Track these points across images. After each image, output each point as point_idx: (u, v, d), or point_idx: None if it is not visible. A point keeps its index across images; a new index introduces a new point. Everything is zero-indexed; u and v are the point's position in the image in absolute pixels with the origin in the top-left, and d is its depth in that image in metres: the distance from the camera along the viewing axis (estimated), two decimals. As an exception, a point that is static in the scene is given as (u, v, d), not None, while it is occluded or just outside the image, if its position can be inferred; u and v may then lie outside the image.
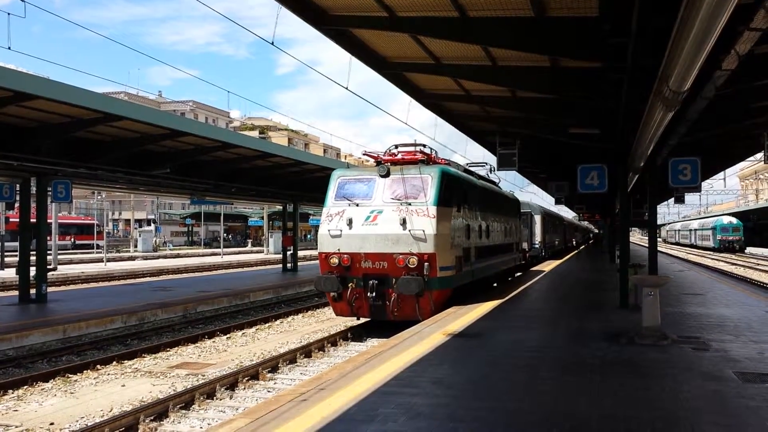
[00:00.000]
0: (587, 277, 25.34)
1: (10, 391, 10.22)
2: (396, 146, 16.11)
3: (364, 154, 16.76)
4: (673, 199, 30.32)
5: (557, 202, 33.40)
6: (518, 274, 27.27)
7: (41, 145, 16.68)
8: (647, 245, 17.66)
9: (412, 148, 15.83)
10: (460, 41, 10.90)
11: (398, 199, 14.38)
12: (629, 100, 11.19)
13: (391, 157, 15.59)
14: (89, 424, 8.38)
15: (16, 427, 8.41)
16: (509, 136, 18.33)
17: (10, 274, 27.06)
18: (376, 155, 15.99)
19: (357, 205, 14.65)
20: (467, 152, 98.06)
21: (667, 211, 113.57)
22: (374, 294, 14.17)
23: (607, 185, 15.00)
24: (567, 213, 68.81)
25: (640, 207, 29.49)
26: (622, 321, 12.56)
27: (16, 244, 22.35)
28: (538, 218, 39.02)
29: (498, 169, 18.13)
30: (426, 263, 13.73)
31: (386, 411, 6.45)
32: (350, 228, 14.41)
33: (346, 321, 16.45)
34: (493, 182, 23.25)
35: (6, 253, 35.07)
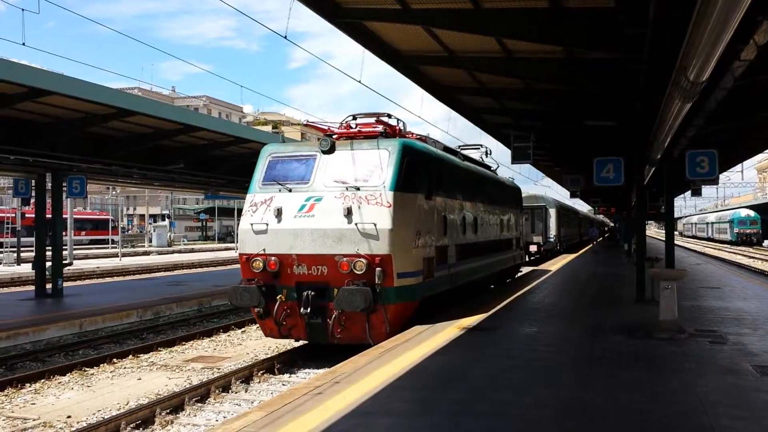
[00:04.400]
0: (603, 270, 25.17)
1: (28, 384, 10.32)
2: (354, 116, 12.66)
3: (306, 125, 13.21)
4: (689, 191, 30.02)
5: (572, 196, 33.20)
6: (521, 273, 24.28)
7: (56, 141, 16.78)
8: (664, 238, 17.52)
9: (373, 120, 12.39)
10: (474, 33, 10.83)
11: (344, 183, 11.00)
12: (646, 91, 11.07)
13: (345, 131, 12.36)
14: (106, 417, 8.45)
15: (34, 419, 8.48)
16: (524, 129, 18.19)
17: (26, 269, 27.33)
18: (324, 127, 12.62)
19: (290, 191, 11.26)
20: (481, 145, 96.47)
21: (683, 204, 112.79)
22: (310, 309, 10.76)
23: (624, 178, 14.87)
24: (582, 206, 68.48)
25: (657, 200, 29.26)
26: (638, 315, 12.46)
27: (32, 239, 22.59)
28: (553, 212, 38.83)
29: (513, 162, 17.77)
30: (378, 268, 10.36)
31: (400, 405, 6.43)
32: (279, 221, 11.04)
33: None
34: (488, 166, 19.84)
35: (22, 249, 35.50)
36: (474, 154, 18.73)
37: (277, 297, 11.04)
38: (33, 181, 19.70)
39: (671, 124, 10.68)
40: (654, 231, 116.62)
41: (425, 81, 15.30)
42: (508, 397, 6.68)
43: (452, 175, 13.95)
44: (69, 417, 8.61)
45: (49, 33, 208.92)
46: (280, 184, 11.42)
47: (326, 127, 12.48)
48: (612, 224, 75.83)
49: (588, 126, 15.77)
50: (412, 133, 13.30)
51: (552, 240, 38.53)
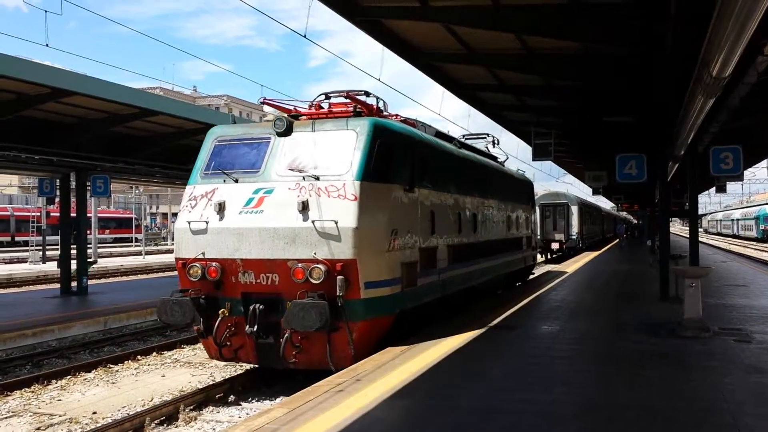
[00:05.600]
0: (626, 268, 24.95)
1: (54, 381, 10.48)
2: (326, 95, 10.74)
3: (262, 103, 10.58)
4: (714, 188, 29.66)
5: (595, 193, 32.95)
6: (534, 275, 22.80)
7: (80, 141, 17.03)
8: (688, 235, 17.32)
9: (345, 100, 10.44)
10: (493, 30, 10.80)
11: (300, 171, 9.13)
12: (668, 87, 10.96)
13: (312, 112, 10.44)
14: (131, 413, 8.56)
15: (60, 416, 8.62)
16: (545, 125, 18.11)
17: (51, 267, 27.73)
18: (289, 107, 10.47)
19: (236, 181, 9.39)
20: (502, 142, 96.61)
21: (708, 201, 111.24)
22: (258, 327, 8.84)
23: (647, 175, 14.73)
24: (605, 203, 67.92)
25: (681, 197, 28.93)
26: (662, 313, 12.34)
27: (57, 238, 22.92)
28: (575, 209, 38.57)
29: (534, 159, 17.63)
30: (340, 276, 8.45)
31: (422, 402, 6.44)
32: (221, 218, 9.16)
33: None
34: (494, 157, 17.88)
35: (47, 247, 36.04)
36: (479, 144, 17.14)
37: (219, 311, 9.08)
38: (57, 180, 19.98)
39: (694, 120, 10.56)
40: (678, 228, 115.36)
41: (445, 78, 15.28)
42: (530, 395, 6.66)
43: (444, 164, 12.03)
44: (94, 413, 8.74)
45: (71, 34, 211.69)
46: (225, 173, 9.49)
47: (291, 107, 10.43)
48: (635, 221, 75.13)
49: (609, 122, 15.64)
50: (397, 115, 11.44)
51: (574, 237, 38.28)
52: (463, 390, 6.88)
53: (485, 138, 17.81)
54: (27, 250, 38.02)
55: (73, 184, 19.77)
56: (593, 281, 19.56)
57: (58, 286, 20.41)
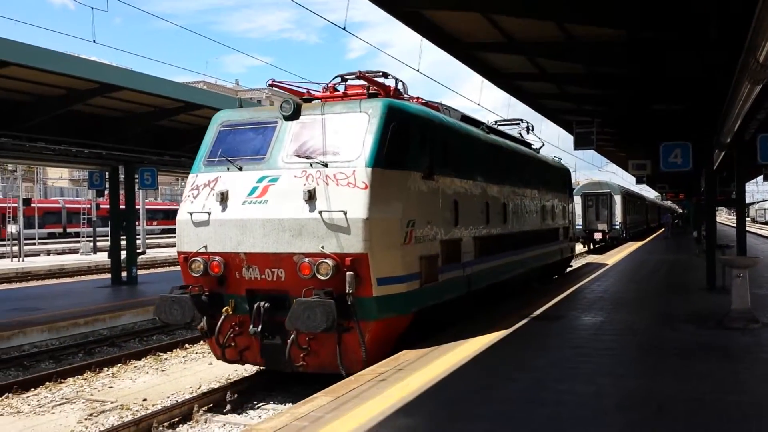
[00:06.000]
0: (672, 258, 24.49)
1: (106, 368, 10.83)
2: (342, 77, 9.93)
3: (271, 86, 9.82)
4: (762, 176, 28.82)
5: (638, 182, 32.35)
6: (571, 268, 21.72)
7: (127, 135, 17.47)
8: (735, 225, 16.93)
9: (362, 82, 9.75)
10: (532, 18, 10.69)
11: (308, 157, 8.53)
12: (714, 73, 10.72)
13: (326, 95, 9.83)
14: (179, 400, 8.81)
15: (112, 402, 8.92)
16: (586, 114, 17.86)
17: (102, 257, 28.56)
18: (298, 89, 9.83)
19: (240, 169, 8.83)
20: (542, 131, 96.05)
21: (755, 190, 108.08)
22: (263, 326, 8.32)
23: (692, 163, 14.43)
24: (648, 193, 66.58)
25: (727, 185, 28.23)
26: (709, 303, 12.11)
27: (107, 229, 23.56)
28: (618, 198, 37.95)
29: (575, 149, 17.38)
30: (350, 272, 7.86)
31: (463, 392, 6.49)
32: (224, 209, 8.65)
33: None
34: (527, 143, 16.93)
35: (98, 238, 37.05)
36: (512, 130, 16.40)
37: (223, 310, 8.55)
38: (107, 173, 20.55)
39: (740, 107, 10.31)
40: (725, 217, 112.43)
41: (484, 68, 15.18)
42: (573, 386, 6.65)
43: (469, 150, 11.23)
44: (145, 400, 9.01)
45: (116, 30, 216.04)
46: (228, 160, 8.94)
47: (303, 90, 9.83)
48: (680, 210, 73.47)
49: (653, 110, 15.35)
50: (418, 98, 10.83)
51: (617, 227, 37.68)
52: (505, 381, 6.89)
53: (518, 124, 17.02)
54: (78, 242, 39.15)
55: (121, 177, 20.31)
56: (638, 272, 19.27)
57: (108, 276, 21.01)
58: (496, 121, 16.34)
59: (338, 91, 9.82)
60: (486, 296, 11.91)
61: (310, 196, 8.16)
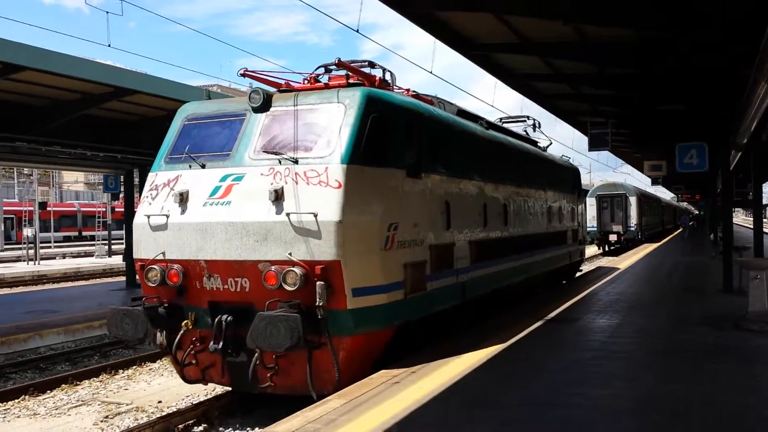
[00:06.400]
0: (688, 260, 24.28)
1: (121, 371, 10.88)
2: (326, 68, 9.06)
3: (242, 75, 8.61)
4: (780, 176, 28.53)
5: (654, 183, 32.12)
6: (581, 273, 20.87)
7: (142, 138, 17.58)
8: (751, 226, 16.74)
9: (343, 72, 8.83)
10: (544, 18, 10.64)
11: (277, 153, 7.67)
12: (727, 74, 10.61)
13: (307, 86, 8.89)
14: (194, 402, 8.83)
15: (127, 404, 8.97)
16: (601, 114, 17.73)
17: (117, 260, 28.77)
18: (276, 80, 8.83)
19: (202, 167, 8.02)
20: (556, 132, 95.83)
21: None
22: (225, 343, 7.45)
23: (708, 164, 14.30)
24: (664, 194, 66.08)
25: (744, 186, 27.92)
26: (725, 305, 11.99)
27: (122, 232, 23.72)
28: (633, 200, 37.72)
29: (590, 150, 17.21)
30: (320, 282, 7.05)
31: (478, 394, 6.45)
32: (183, 211, 7.83)
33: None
34: (532, 141, 16.08)
35: (113, 242, 37.33)
36: (516, 127, 15.71)
37: (182, 324, 7.72)
38: (121, 176, 20.71)
39: (757, 107, 10.20)
40: (741, 219, 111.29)
41: (497, 69, 15.11)
42: (586, 389, 6.59)
43: (464, 146, 10.41)
44: (160, 402, 9.04)
45: (131, 34, 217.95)
46: (191, 157, 8.11)
47: (282, 81, 8.86)
48: (695, 212, 72.86)
49: (668, 110, 15.22)
50: (408, 90, 10.02)
51: (633, 229, 37.44)
52: (521, 383, 6.85)
53: (524, 121, 16.21)
54: (93, 245, 39.43)
55: (136, 180, 20.45)
56: (653, 274, 19.11)
57: (123, 279, 21.14)
58: (500, 118, 15.68)
59: (320, 82, 8.93)
60: (485, 305, 11.17)
61: (277, 197, 7.35)
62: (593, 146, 17.17)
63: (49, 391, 9.72)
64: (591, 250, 40.19)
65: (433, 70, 14.39)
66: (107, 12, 13.39)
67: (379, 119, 7.81)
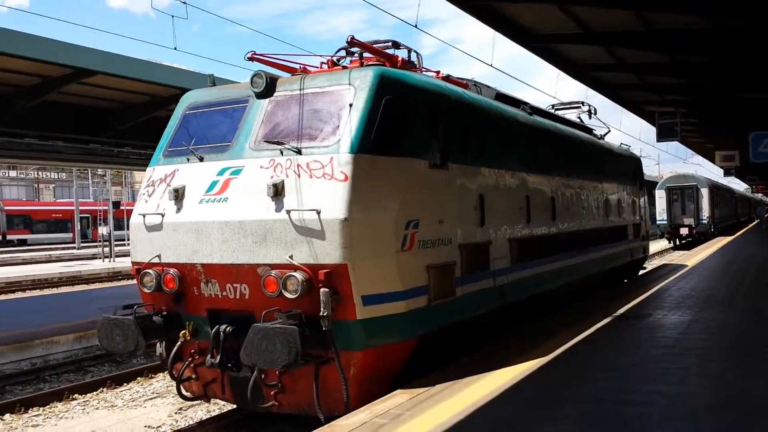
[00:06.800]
0: (764, 253, 23.27)
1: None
2: (347, 50, 8.17)
3: (250, 59, 7.81)
4: None
5: (726, 174, 30.95)
6: (644, 270, 19.18)
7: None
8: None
9: (370, 55, 7.95)
10: (609, 7, 10.38)
11: (278, 143, 6.85)
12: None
13: (324, 70, 7.93)
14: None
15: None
16: (669, 104, 17.19)
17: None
18: (291, 65, 7.97)
19: (201, 159, 7.29)
20: (622, 124, 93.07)
21: None
22: (227, 356, 6.81)
23: (785, 153, 13.66)
24: (738, 185, 63.55)
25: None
26: (806, 300, 11.44)
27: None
28: (705, 191, 36.40)
29: (658, 140, 16.66)
30: (324, 289, 6.24)
31: (544, 391, 6.36)
32: (179, 209, 7.13)
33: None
34: (587, 129, 14.93)
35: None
36: (570, 114, 14.67)
37: (180, 334, 7.04)
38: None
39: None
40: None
41: (559, 59, 14.84)
42: (662, 386, 6.40)
43: (502, 133, 9.33)
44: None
45: (195, 36, 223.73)
46: (190, 149, 7.37)
47: (297, 67, 7.92)
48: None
49: (740, 98, 14.61)
50: (438, 72, 9.14)
51: (705, 222, 36.14)
52: (589, 380, 6.72)
53: (579, 107, 15.20)
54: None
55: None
56: (727, 268, 18.39)
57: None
58: (553, 105, 14.83)
59: (339, 65, 8.06)
60: (530, 309, 10.16)
61: (276, 192, 6.54)
62: (662, 137, 16.66)
63: (125, 384, 10.12)
64: (661, 244, 39.04)
65: (494, 63, 14.21)
66: (173, 16, 13.80)
67: (395, 102, 6.92)
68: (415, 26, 12.05)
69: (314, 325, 6.21)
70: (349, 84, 6.90)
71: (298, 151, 6.69)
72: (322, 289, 6.20)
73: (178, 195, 7.10)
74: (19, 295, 21.78)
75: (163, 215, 7.15)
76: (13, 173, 73.86)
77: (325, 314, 6.18)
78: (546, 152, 11.04)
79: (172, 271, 7.01)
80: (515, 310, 9.49)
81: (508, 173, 9.37)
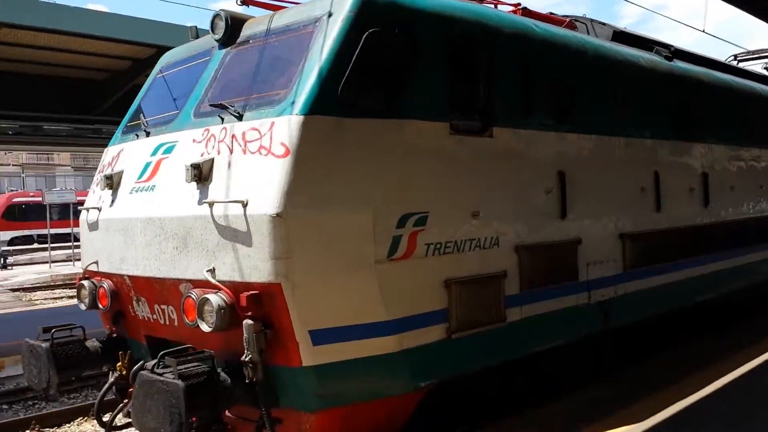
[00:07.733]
0: None
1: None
2: None
3: (242, 3, 5.79)
4: None
5: None
6: None
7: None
8: None
9: None
10: None
11: (222, 107, 5.01)
12: None
13: None
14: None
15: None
16: None
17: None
18: (283, 3, 5.99)
19: (147, 135, 5.81)
20: None
21: None
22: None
23: None
24: None
25: None
26: None
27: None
28: None
29: None
30: (248, 321, 4.38)
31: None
32: (112, 202, 5.71)
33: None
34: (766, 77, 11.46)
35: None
36: (755, 66, 11.69)
37: (117, 365, 5.68)
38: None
39: None
40: None
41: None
42: None
43: (608, 84, 6.91)
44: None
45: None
46: (144, 123, 5.98)
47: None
48: None
49: None
50: (518, 4, 6.82)
51: None
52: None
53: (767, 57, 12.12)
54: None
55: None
56: None
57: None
58: (735, 55, 12.06)
59: None
60: (656, 336, 7.60)
61: (200, 177, 4.72)
62: None
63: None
64: None
65: (706, 29, 11.71)
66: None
67: (386, 35, 4.76)
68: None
69: (238, 374, 4.41)
70: (325, 16, 4.83)
71: (239, 116, 4.82)
72: (245, 321, 4.32)
73: (113, 183, 5.68)
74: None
75: (99, 209, 5.75)
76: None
77: (247, 358, 4.32)
78: (694, 112, 8.27)
79: (105, 284, 5.57)
80: (629, 337, 7.07)
81: (620, 141, 6.92)
